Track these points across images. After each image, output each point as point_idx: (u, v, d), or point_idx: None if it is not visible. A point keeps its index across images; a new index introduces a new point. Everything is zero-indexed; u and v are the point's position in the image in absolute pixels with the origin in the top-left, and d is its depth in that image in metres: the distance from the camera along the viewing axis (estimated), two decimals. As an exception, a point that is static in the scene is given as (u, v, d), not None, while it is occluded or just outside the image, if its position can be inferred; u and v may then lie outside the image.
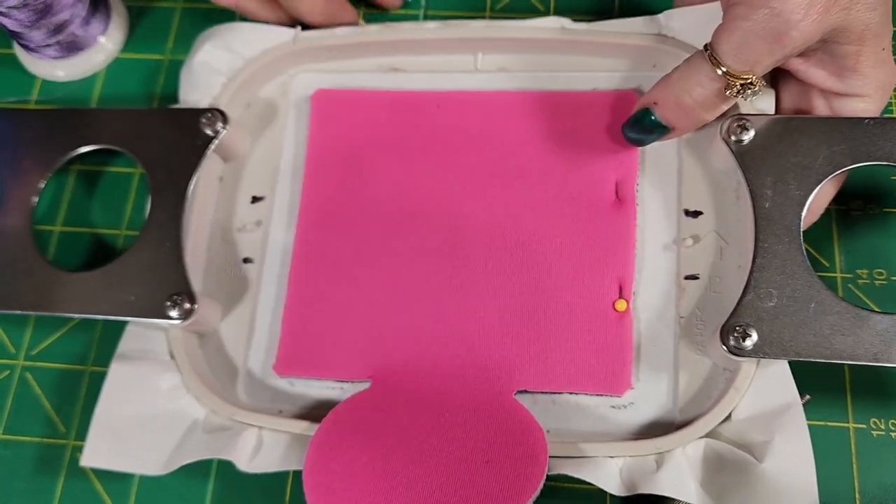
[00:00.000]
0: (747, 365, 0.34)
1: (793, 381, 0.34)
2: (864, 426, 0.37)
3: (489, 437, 0.34)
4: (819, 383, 0.37)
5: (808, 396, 0.35)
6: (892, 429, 0.36)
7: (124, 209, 0.44)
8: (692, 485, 0.33)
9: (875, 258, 0.39)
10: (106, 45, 0.47)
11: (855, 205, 0.40)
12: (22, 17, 0.42)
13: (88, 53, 0.47)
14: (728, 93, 0.34)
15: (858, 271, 0.39)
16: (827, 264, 0.39)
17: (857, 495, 0.35)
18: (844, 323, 0.33)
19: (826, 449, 0.36)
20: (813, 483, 0.32)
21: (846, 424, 0.37)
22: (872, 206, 0.40)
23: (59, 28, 0.44)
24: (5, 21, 0.43)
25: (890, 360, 0.32)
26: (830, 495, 0.35)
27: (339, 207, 0.40)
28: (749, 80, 0.33)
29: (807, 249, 0.34)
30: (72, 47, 0.46)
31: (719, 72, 0.33)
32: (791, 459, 0.32)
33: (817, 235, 0.39)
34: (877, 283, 0.39)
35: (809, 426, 0.33)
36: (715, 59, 0.33)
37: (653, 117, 0.36)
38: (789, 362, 0.34)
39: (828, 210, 0.38)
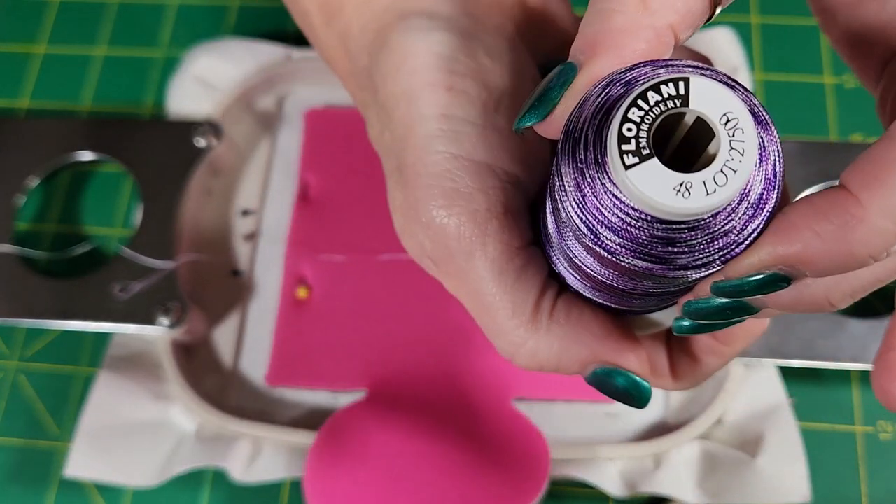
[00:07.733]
0: (736, 369, 0.36)
1: (780, 383, 0.35)
2: (871, 429, 0.37)
3: (492, 440, 0.35)
4: (825, 386, 0.37)
5: (793, 399, 0.37)
6: (900, 431, 0.37)
7: (119, 209, 0.43)
8: (690, 484, 0.34)
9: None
10: None
11: None
12: None
13: None
14: None
15: None
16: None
17: (864, 499, 0.35)
18: (825, 328, 0.35)
19: (833, 452, 0.36)
20: (804, 476, 0.33)
21: (853, 427, 0.37)
22: None
23: None
24: None
25: (868, 362, 0.35)
26: (838, 499, 0.35)
27: (331, 221, 0.41)
28: None
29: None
30: None
31: None
32: (782, 455, 0.34)
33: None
34: None
35: (816, 429, 0.33)
36: None
37: None
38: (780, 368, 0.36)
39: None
